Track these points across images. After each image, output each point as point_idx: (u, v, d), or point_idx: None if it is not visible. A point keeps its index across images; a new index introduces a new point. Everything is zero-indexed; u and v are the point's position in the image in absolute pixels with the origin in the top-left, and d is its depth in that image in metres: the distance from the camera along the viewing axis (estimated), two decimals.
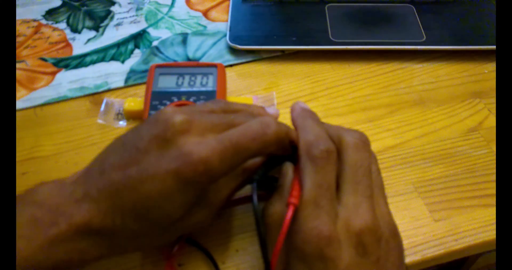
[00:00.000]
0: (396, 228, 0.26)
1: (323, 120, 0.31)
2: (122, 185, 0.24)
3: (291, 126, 0.29)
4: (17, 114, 0.43)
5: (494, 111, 0.42)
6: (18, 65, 0.48)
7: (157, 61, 0.48)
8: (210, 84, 0.41)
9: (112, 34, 0.52)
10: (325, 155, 0.26)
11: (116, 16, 0.54)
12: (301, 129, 0.28)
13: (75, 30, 0.53)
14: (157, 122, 0.26)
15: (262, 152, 0.27)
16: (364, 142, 0.27)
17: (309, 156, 0.26)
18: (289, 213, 0.25)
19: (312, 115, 0.30)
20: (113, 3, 0.56)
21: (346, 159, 0.26)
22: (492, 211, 0.35)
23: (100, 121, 0.42)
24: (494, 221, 0.34)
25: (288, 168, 0.28)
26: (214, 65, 0.42)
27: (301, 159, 0.27)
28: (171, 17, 0.54)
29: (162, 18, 0.54)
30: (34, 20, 0.54)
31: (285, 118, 0.42)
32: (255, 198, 0.26)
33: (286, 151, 0.28)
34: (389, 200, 0.28)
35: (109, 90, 0.45)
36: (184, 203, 0.25)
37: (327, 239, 0.24)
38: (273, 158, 0.29)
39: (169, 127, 0.25)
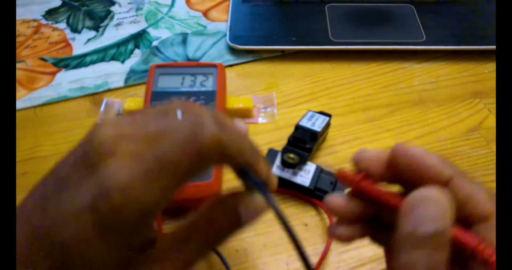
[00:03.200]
0: None
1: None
2: (39, 230, 0.19)
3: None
4: (17, 114, 0.43)
5: (494, 111, 0.42)
6: (18, 65, 0.48)
7: (157, 61, 0.48)
8: (210, 84, 0.41)
9: (112, 34, 0.52)
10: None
11: (116, 16, 0.54)
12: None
13: (75, 30, 0.53)
14: (84, 140, 0.19)
15: (203, 166, 0.19)
16: None
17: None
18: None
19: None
20: (113, 3, 0.56)
21: None
22: None
23: (100, 121, 0.42)
24: None
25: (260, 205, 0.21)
26: (214, 65, 0.42)
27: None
28: (171, 17, 0.54)
29: (162, 18, 0.54)
30: (34, 20, 0.54)
31: (285, 118, 0.42)
32: (271, 199, 0.20)
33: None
34: None
35: (109, 90, 0.45)
36: (111, 255, 0.18)
37: None
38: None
39: (94, 146, 0.18)
